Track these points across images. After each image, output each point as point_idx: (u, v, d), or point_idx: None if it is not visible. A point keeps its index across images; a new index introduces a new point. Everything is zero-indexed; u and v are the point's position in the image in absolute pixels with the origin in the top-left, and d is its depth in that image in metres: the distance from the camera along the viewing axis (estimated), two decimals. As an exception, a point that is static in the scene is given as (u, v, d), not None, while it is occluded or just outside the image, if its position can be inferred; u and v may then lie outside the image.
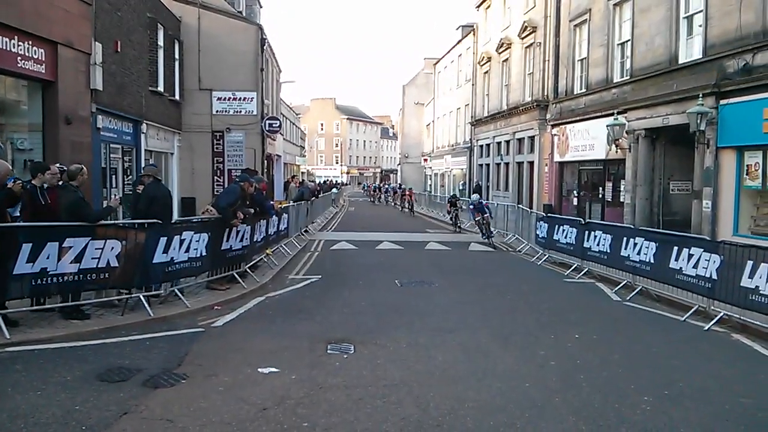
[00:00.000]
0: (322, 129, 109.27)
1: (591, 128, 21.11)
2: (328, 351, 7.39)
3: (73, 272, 7.91)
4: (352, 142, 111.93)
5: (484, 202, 21.44)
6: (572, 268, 14.35)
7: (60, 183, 8.59)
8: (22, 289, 7.59)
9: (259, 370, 6.52)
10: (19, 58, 11.60)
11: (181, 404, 5.48)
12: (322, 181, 59.69)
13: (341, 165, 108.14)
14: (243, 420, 5.17)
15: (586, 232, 13.83)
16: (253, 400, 5.62)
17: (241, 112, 25.34)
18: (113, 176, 17.02)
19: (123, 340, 7.57)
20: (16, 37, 11.41)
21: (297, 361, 6.94)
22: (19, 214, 8.48)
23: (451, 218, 25.77)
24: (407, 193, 40.36)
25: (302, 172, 63.57)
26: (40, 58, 12.18)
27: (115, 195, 15.19)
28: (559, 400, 5.89)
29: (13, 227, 7.71)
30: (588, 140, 21.50)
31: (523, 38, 28.37)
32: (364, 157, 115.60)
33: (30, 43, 11.83)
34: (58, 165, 9.07)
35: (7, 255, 7.30)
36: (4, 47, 11.16)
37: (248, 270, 12.05)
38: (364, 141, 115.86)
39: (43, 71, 12.36)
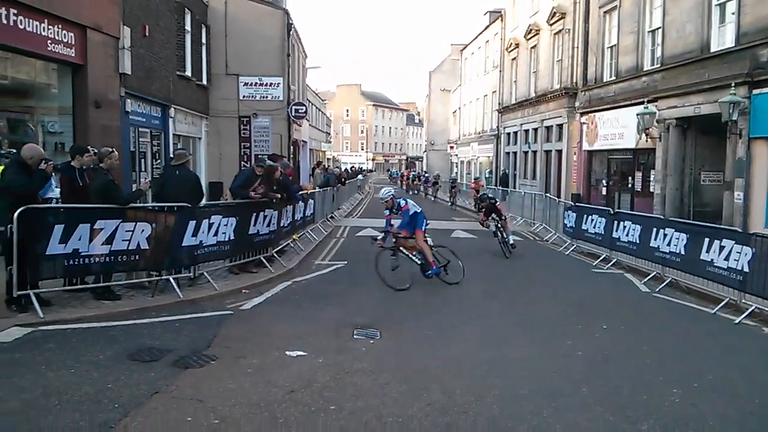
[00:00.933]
0: (347, 115, 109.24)
1: (620, 117, 20.81)
2: (354, 336, 7.42)
3: (104, 254, 8.03)
4: (378, 128, 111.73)
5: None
6: (601, 258, 14.21)
7: (92, 165, 8.71)
8: (55, 269, 7.72)
9: (287, 353, 6.57)
10: (48, 41, 11.75)
11: (210, 385, 5.55)
12: (348, 168, 59.69)
13: (366, 152, 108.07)
14: (271, 402, 5.22)
15: (615, 222, 13.67)
16: (280, 383, 5.67)
17: (267, 97, 25.42)
18: (142, 160, 17.21)
19: (153, 321, 7.68)
20: (45, 21, 11.56)
21: (323, 345, 6.98)
22: (51, 196, 8.63)
23: (495, 234, 15.71)
24: (473, 185, 30.15)
25: (328, 159, 63.72)
26: (69, 41, 12.32)
27: (144, 178, 15.36)
28: (586, 389, 5.85)
29: (45, 209, 7.84)
30: (617, 129, 21.21)
31: (551, 24, 28.01)
32: (390, 144, 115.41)
33: (59, 26, 11.97)
34: (90, 147, 9.20)
35: (39, 236, 7.43)
36: (34, 30, 11.30)
37: (275, 255, 12.12)
38: (390, 128, 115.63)
39: (73, 55, 12.49)
